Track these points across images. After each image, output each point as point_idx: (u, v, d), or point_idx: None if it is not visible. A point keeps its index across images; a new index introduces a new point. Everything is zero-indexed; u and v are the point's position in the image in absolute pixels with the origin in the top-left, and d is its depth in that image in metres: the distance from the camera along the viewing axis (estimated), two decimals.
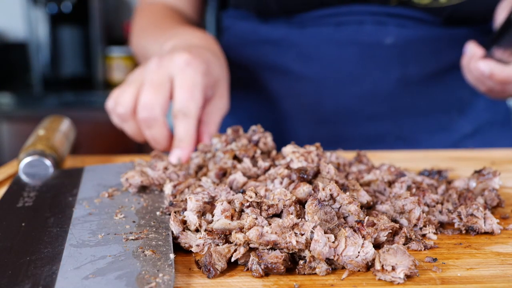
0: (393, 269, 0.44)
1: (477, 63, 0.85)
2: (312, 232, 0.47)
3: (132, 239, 0.50)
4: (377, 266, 0.45)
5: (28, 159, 0.68)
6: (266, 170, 0.63)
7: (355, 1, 0.96)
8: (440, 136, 1.05)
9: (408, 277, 0.45)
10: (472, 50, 0.88)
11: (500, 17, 0.92)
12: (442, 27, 0.98)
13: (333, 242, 0.47)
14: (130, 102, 0.76)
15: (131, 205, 0.58)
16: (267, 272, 0.46)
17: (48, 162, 0.68)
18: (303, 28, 1.00)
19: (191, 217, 0.52)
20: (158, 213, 0.56)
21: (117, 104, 0.77)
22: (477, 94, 1.06)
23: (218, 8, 1.16)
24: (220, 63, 0.83)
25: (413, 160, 0.84)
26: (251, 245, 0.48)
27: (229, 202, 0.52)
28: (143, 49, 1.02)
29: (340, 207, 0.51)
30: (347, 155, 0.76)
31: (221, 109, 0.81)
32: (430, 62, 1.01)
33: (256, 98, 1.08)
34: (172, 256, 0.46)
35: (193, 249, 0.50)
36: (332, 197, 0.51)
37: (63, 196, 0.61)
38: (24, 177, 0.67)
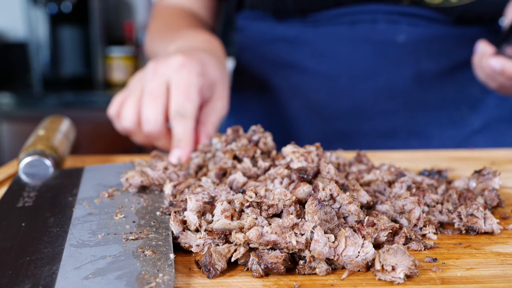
0: (393, 269, 0.44)
1: (488, 60, 0.88)
2: (312, 232, 0.47)
3: (132, 239, 0.50)
4: (377, 266, 0.45)
5: (28, 159, 0.68)
6: (266, 170, 0.63)
7: (368, 0, 0.98)
8: (451, 131, 1.07)
9: (408, 277, 0.45)
10: (483, 48, 0.90)
11: (510, 15, 0.93)
12: (453, 26, 1.00)
13: (333, 242, 0.47)
14: (133, 116, 0.78)
15: (131, 205, 0.58)
16: (267, 272, 0.46)
17: (48, 162, 0.68)
18: (317, 27, 1.02)
19: (191, 217, 0.52)
20: (158, 213, 0.56)
21: (121, 118, 0.80)
22: (487, 91, 1.08)
23: (233, 10, 1.17)
24: (219, 65, 0.83)
25: (413, 160, 0.84)
26: (251, 245, 0.48)
27: (229, 202, 0.52)
28: (153, 51, 1.04)
29: (340, 207, 0.51)
30: (347, 155, 0.76)
31: (219, 110, 0.82)
32: (442, 59, 1.03)
33: (270, 95, 1.10)
34: (172, 256, 0.46)
35: (193, 249, 0.50)
36: (332, 197, 0.51)
37: (63, 196, 0.61)
38: (24, 177, 0.67)
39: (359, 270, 0.46)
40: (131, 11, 2.82)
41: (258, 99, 1.12)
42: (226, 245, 0.48)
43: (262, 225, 0.48)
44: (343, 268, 0.47)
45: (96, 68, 2.53)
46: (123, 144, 2.29)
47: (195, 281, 0.45)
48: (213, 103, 0.82)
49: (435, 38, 1.01)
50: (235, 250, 0.48)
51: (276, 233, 0.47)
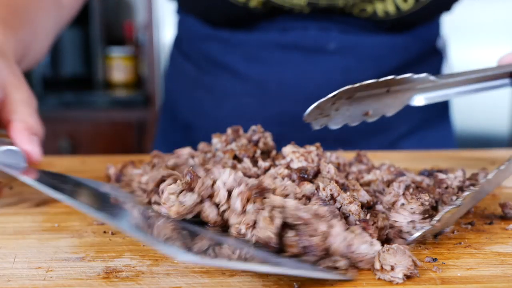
0: (392, 268, 0.44)
1: None
2: None
3: None
4: (377, 265, 0.45)
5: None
6: (266, 170, 0.63)
7: (299, 12, 0.96)
8: (377, 138, 1.06)
9: (408, 277, 0.45)
10: None
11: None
12: (385, 35, 0.99)
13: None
14: None
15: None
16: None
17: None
18: (249, 31, 1.01)
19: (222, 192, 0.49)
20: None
21: None
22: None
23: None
24: (5, 65, 0.69)
25: (413, 160, 0.84)
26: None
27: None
28: None
29: (340, 207, 0.52)
30: (347, 155, 0.77)
31: (25, 104, 0.71)
32: (371, 67, 1.01)
33: (204, 94, 1.07)
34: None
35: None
36: (332, 197, 0.51)
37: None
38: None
39: (369, 269, 0.46)
40: (131, 11, 2.82)
41: (191, 97, 1.08)
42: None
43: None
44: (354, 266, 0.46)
45: (96, 68, 2.53)
46: (123, 144, 2.30)
47: (195, 281, 0.45)
48: (14, 101, 0.70)
49: (365, 46, 0.99)
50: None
51: None
